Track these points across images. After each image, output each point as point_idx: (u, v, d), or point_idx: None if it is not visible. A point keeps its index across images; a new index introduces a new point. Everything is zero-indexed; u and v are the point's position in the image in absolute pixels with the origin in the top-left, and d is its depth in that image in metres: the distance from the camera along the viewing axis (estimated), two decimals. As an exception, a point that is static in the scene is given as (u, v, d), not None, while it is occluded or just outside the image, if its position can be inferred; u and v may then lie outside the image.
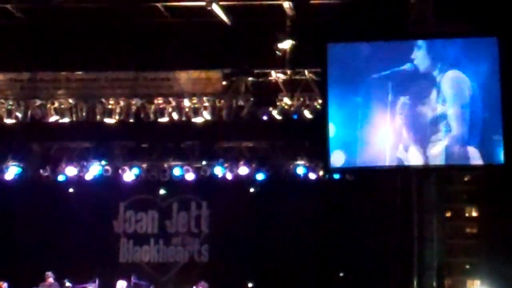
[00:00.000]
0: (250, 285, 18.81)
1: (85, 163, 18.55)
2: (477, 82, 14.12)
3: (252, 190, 19.13)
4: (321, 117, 16.08)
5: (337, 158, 15.07)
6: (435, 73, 14.31)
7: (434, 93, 14.29)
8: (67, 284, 17.96)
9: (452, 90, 14.21)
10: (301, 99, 17.16)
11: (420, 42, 14.27)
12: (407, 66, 14.29)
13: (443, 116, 14.32)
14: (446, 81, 14.17)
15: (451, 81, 14.16)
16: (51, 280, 18.14)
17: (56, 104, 17.58)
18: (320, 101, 16.65)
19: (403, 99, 14.37)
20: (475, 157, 14.45)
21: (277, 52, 16.39)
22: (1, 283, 17.38)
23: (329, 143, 15.14)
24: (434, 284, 21.13)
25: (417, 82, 14.34)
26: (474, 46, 14.20)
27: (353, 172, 17.05)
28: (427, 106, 14.35)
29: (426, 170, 15.55)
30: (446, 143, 14.41)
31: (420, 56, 14.32)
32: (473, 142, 14.34)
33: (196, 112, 17.19)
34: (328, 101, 14.94)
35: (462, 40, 14.26)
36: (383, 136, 14.55)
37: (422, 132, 14.46)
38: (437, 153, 14.50)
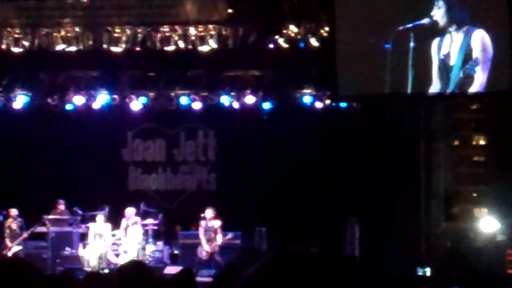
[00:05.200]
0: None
1: (92, 92, 18.56)
2: (490, 32, 14.65)
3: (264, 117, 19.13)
4: (329, 45, 16.00)
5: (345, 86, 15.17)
6: (451, 28, 14.71)
7: (454, 45, 14.78)
8: (77, 211, 18.15)
9: (477, 45, 14.74)
10: (308, 27, 16.99)
11: (440, 3, 14.55)
12: (426, 21, 14.57)
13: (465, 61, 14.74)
14: (473, 38, 14.72)
15: (476, 38, 14.71)
16: (62, 207, 18.31)
17: (63, 33, 17.48)
18: (327, 29, 16.50)
19: (424, 47, 14.77)
20: (483, 85, 14.68)
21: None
22: (12, 210, 17.57)
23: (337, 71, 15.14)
24: (441, 212, 21.33)
25: (436, 34, 14.74)
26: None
27: (361, 99, 17.03)
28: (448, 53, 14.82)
29: (435, 97, 15.66)
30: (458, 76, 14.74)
31: (439, 14, 14.62)
32: (484, 70, 14.56)
33: (202, 40, 17.09)
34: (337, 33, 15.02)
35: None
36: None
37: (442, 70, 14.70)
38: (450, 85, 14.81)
